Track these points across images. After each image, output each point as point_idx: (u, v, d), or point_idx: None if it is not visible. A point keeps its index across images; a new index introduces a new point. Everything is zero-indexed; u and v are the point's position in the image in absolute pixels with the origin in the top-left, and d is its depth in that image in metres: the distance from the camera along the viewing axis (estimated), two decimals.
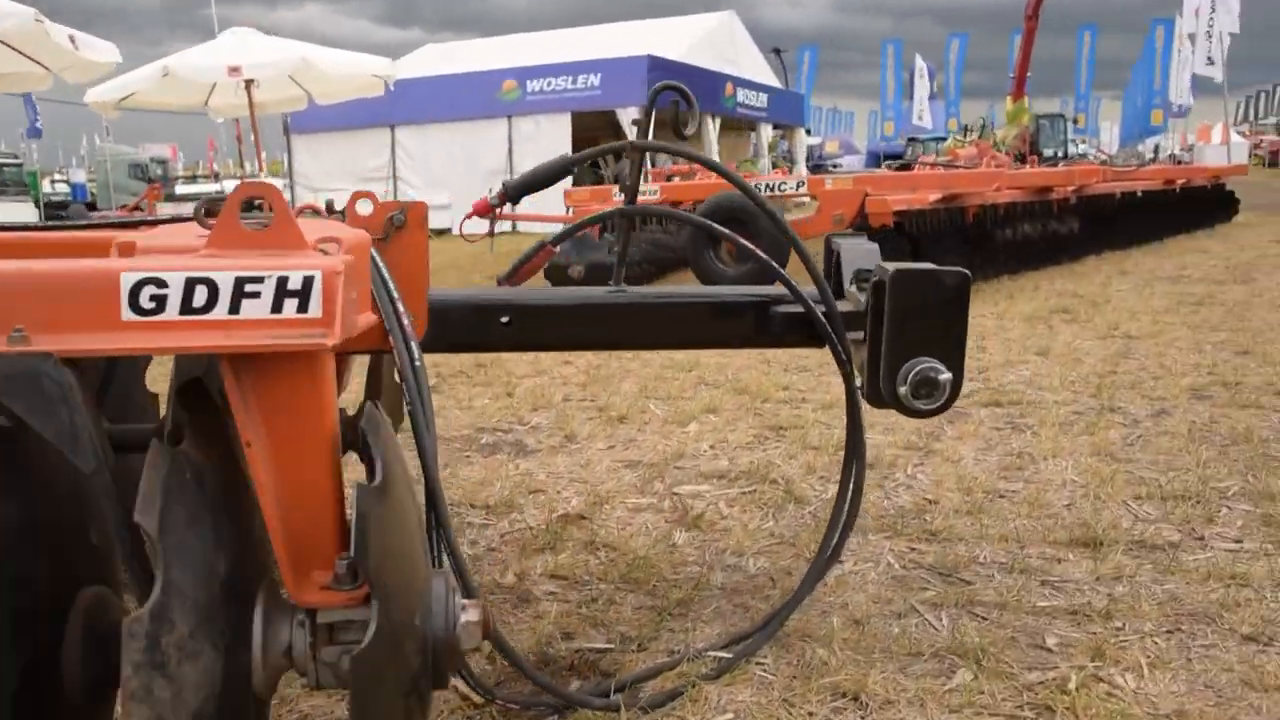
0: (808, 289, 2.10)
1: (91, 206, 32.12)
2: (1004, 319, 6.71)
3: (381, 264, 1.79)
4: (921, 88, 43.79)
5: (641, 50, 20.63)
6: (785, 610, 2.18)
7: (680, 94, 2.21)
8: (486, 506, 3.23)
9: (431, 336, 2.04)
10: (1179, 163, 46.44)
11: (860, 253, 2.30)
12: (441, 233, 21.37)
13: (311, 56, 10.94)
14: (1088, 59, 40.81)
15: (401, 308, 1.77)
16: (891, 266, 1.74)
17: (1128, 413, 4.10)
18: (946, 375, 1.64)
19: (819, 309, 2.07)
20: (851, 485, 2.15)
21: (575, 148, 21.86)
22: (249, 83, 11.68)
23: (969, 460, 3.52)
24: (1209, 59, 20.19)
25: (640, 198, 9.78)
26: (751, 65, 26.87)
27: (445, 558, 1.73)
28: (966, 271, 1.62)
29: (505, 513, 3.17)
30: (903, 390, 1.65)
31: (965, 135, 36.53)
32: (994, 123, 36.59)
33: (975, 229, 8.71)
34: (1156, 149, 61.58)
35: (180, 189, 36.96)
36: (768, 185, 9.04)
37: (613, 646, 2.22)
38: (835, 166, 48.39)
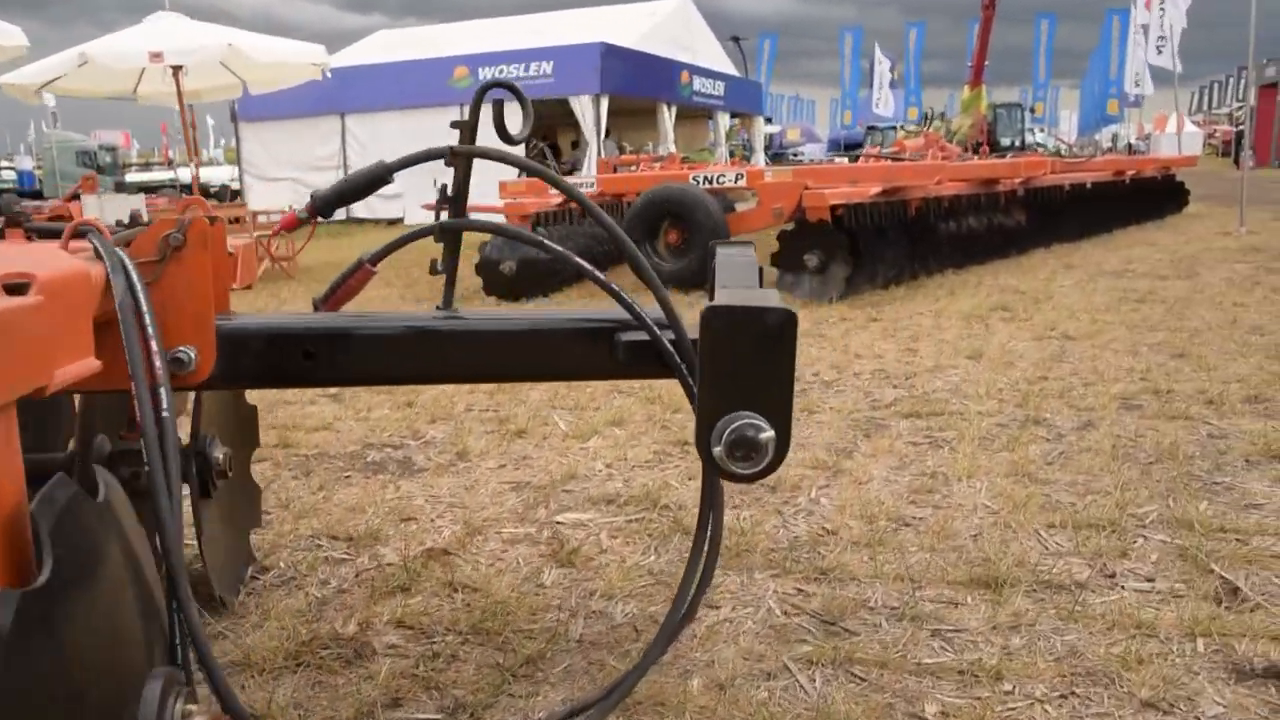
0: (650, 309, 1.84)
1: (39, 195, 31.33)
2: (941, 317, 6.50)
3: (140, 293, 1.51)
4: (881, 75, 43.63)
5: (595, 37, 20.31)
6: (631, 678, 1.93)
7: (511, 91, 1.95)
8: (350, 538, 2.95)
9: (222, 372, 1.77)
10: (1135, 152, 46.79)
11: (736, 265, 2.04)
12: (394, 223, 21.02)
13: (240, 43, 10.53)
14: (1046, 48, 40.89)
15: (155, 346, 1.50)
16: (712, 300, 1.49)
17: (1052, 425, 3.88)
18: (768, 433, 1.39)
19: (667, 336, 1.81)
20: (708, 537, 1.90)
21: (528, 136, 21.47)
22: (177, 69, 11.25)
23: (878, 481, 3.29)
24: (1159, 49, 20.14)
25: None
26: (708, 53, 26.62)
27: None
28: (792, 310, 1.38)
29: (369, 545, 2.90)
30: (717, 450, 1.39)
31: (925, 124, 36.51)
32: (951, 112, 36.58)
33: (918, 223, 8.51)
34: (1115, 138, 62.11)
35: (134, 176, 36.10)
36: (706, 177, 8.79)
37: (441, 718, 1.96)
38: (796, 155, 48.29)
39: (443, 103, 21.15)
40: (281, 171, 23.33)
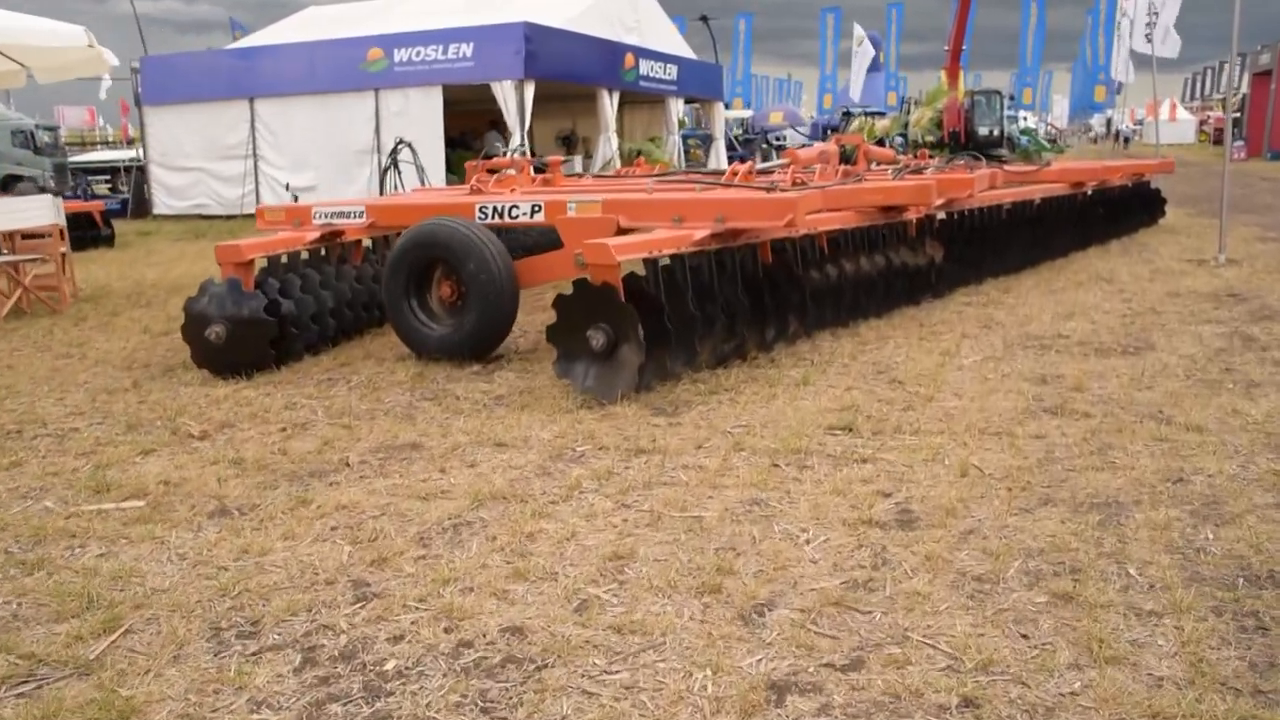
0: None
1: None
2: (743, 448, 4.27)
3: None
4: (860, 58, 40.93)
5: (520, 16, 18.00)
6: None
7: None
8: None
9: None
10: (1126, 140, 44.59)
11: None
12: None
13: None
14: (1035, 30, 38.40)
15: None
16: None
17: None
18: None
19: None
20: None
21: (448, 124, 19.15)
22: None
23: None
24: (1146, 35, 17.91)
25: (344, 221, 7.23)
26: (659, 34, 24.21)
27: None
28: None
29: None
30: None
31: (909, 109, 34.17)
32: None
33: (776, 273, 6.25)
34: (1109, 124, 59.91)
35: (92, 155, 33.59)
36: (495, 209, 6.53)
37: None
38: (778, 140, 45.66)
39: (356, 87, 18.92)
40: (189, 160, 21.23)
